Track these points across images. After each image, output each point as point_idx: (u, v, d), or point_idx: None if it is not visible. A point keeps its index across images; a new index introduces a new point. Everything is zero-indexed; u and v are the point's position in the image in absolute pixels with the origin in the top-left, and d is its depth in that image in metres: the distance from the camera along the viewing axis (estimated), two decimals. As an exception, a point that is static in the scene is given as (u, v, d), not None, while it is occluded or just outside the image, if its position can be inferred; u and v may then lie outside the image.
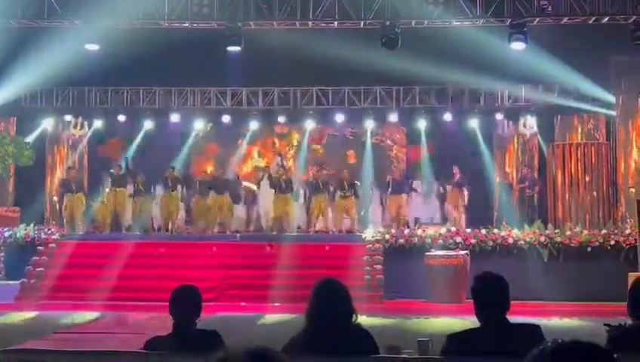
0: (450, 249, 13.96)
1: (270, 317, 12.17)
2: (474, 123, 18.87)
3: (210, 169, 19.34)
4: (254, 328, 11.28)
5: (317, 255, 14.30)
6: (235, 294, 13.48)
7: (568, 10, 14.22)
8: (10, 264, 14.90)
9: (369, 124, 19.32)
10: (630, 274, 11.68)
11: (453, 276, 13.09)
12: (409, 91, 18.96)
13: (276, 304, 12.68)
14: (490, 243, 14.27)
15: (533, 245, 14.17)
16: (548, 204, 17.15)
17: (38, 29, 15.13)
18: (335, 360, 3.59)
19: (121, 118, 19.23)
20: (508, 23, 14.25)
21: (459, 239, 14.29)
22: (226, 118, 19.32)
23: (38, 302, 13.21)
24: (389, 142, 20.51)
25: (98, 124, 19.39)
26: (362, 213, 17.37)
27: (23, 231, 15.39)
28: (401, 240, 14.53)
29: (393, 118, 19.11)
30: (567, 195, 16.64)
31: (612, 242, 14.00)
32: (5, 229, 15.40)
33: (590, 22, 14.38)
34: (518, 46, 14.32)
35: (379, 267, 13.99)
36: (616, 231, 14.34)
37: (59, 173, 19.10)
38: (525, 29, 14.09)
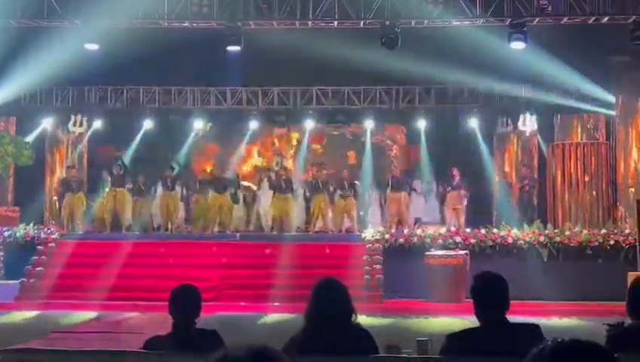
0: (450, 248, 13.97)
1: (270, 317, 12.17)
2: (473, 123, 18.87)
3: (209, 168, 19.34)
4: (254, 328, 11.28)
5: (317, 255, 14.31)
6: (235, 294, 13.48)
7: (568, 10, 14.22)
8: (9, 263, 14.90)
9: (369, 124, 19.33)
10: (629, 273, 11.68)
11: (452, 276, 13.09)
12: (409, 91, 18.97)
13: (276, 303, 12.68)
14: (490, 242, 14.27)
15: (533, 245, 14.18)
16: (547, 203, 17.15)
17: (37, 28, 15.13)
18: (335, 360, 3.59)
19: (121, 117, 19.23)
20: (508, 23, 14.26)
21: (458, 239, 14.29)
22: (225, 118, 19.32)
23: (37, 301, 13.19)
24: (388, 142, 20.51)
25: (98, 123, 19.39)
26: (362, 213, 17.38)
27: (22, 230, 15.39)
28: (401, 240, 14.53)
29: (393, 117, 19.11)
30: (566, 195, 16.64)
31: (611, 242, 14.00)
32: (5, 229, 15.40)
33: (590, 22, 14.39)
34: (517, 46, 14.33)
35: (378, 267, 14.00)
36: (615, 231, 14.34)
37: (58, 173, 19.09)
38: (525, 29, 14.10)
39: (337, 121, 19.33)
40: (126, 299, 12.98)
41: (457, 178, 16.93)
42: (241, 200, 17.73)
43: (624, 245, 13.90)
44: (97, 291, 12.91)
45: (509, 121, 18.80)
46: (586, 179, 16.54)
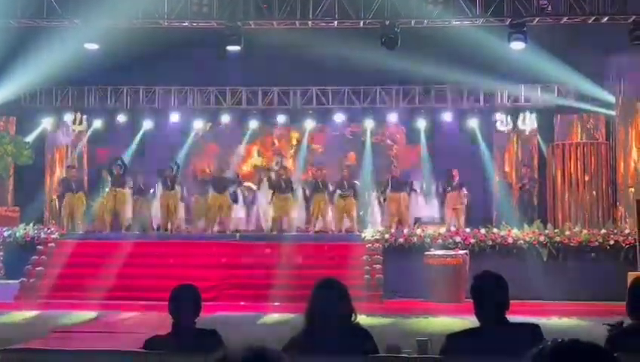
0: (450, 248, 13.97)
1: (270, 317, 12.17)
2: (473, 123, 18.87)
3: (209, 168, 19.33)
4: (254, 327, 11.28)
5: (316, 254, 14.31)
6: (235, 293, 13.48)
7: (568, 9, 14.22)
8: (9, 263, 14.90)
9: (369, 124, 19.33)
10: (629, 273, 11.68)
11: (452, 275, 13.09)
12: (409, 91, 18.97)
13: (276, 303, 12.67)
14: (490, 242, 14.27)
15: (533, 245, 14.17)
16: (547, 203, 17.16)
17: (37, 28, 15.13)
18: (335, 360, 3.59)
19: (121, 117, 19.24)
20: (507, 23, 14.26)
21: (458, 239, 14.29)
22: (225, 118, 19.33)
23: (37, 301, 13.20)
24: (388, 141, 20.51)
25: (97, 123, 19.39)
26: (362, 213, 17.37)
27: (22, 230, 15.39)
28: (401, 240, 14.53)
29: (393, 117, 19.12)
30: (566, 195, 16.65)
31: (611, 242, 14.00)
32: (5, 229, 15.40)
33: (590, 21, 14.39)
34: (517, 46, 14.32)
35: (378, 266, 13.99)
36: (615, 231, 14.34)
37: (58, 173, 19.09)
38: (525, 29, 14.09)
39: (337, 121, 19.32)
40: (126, 298, 12.98)
41: (457, 178, 16.91)
42: (241, 200, 17.73)
43: (624, 245, 13.90)
44: (97, 291, 12.90)
45: (509, 119, 18.80)
46: (586, 179, 16.55)
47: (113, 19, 14.07)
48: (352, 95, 19.01)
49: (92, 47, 14.94)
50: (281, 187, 16.63)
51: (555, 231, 14.61)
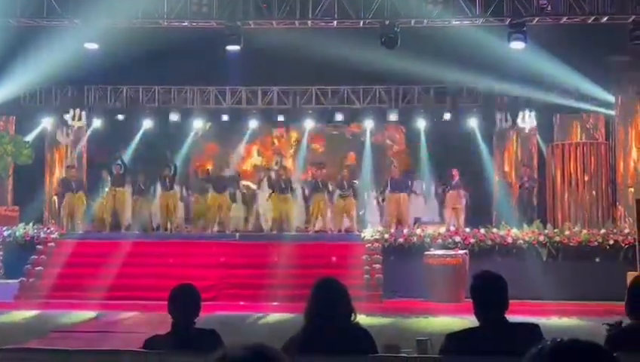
0: (449, 248, 13.97)
1: (269, 317, 12.17)
2: (473, 122, 18.88)
3: (209, 168, 19.33)
4: (253, 327, 11.29)
5: (316, 254, 14.31)
6: (234, 293, 13.48)
7: (567, 9, 14.22)
8: (9, 263, 14.90)
9: (368, 124, 19.33)
10: (629, 273, 11.67)
11: (452, 275, 13.09)
12: (408, 91, 18.98)
13: (275, 303, 12.67)
14: (489, 242, 14.27)
15: (532, 244, 14.18)
16: (547, 203, 17.15)
17: (37, 27, 15.12)
18: (334, 360, 3.59)
19: (121, 117, 19.24)
20: (507, 23, 14.25)
21: (458, 238, 14.29)
22: (225, 117, 19.32)
23: (37, 301, 13.19)
24: (388, 141, 20.51)
25: (97, 123, 19.38)
26: (361, 213, 17.37)
27: (22, 230, 15.39)
28: (400, 240, 14.53)
29: (392, 117, 19.12)
30: (566, 195, 16.65)
31: (611, 241, 14.00)
32: (4, 228, 15.40)
33: (589, 21, 14.39)
34: (517, 45, 14.32)
35: (378, 266, 13.99)
36: (615, 231, 14.34)
37: (58, 173, 19.09)
38: (524, 29, 14.09)
39: (337, 121, 19.34)
40: (125, 298, 12.98)
41: (457, 178, 16.92)
42: (240, 200, 17.74)
43: (623, 245, 13.90)
44: (97, 291, 12.90)
45: (508, 117, 18.79)
46: (586, 178, 16.54)
47: (113, 19, 14.07)
48: (351, 94, 19.01)
49: (92, 46, 14.94)
50: (280, 187, 16.63)
51: (555, 230, 14.61)
